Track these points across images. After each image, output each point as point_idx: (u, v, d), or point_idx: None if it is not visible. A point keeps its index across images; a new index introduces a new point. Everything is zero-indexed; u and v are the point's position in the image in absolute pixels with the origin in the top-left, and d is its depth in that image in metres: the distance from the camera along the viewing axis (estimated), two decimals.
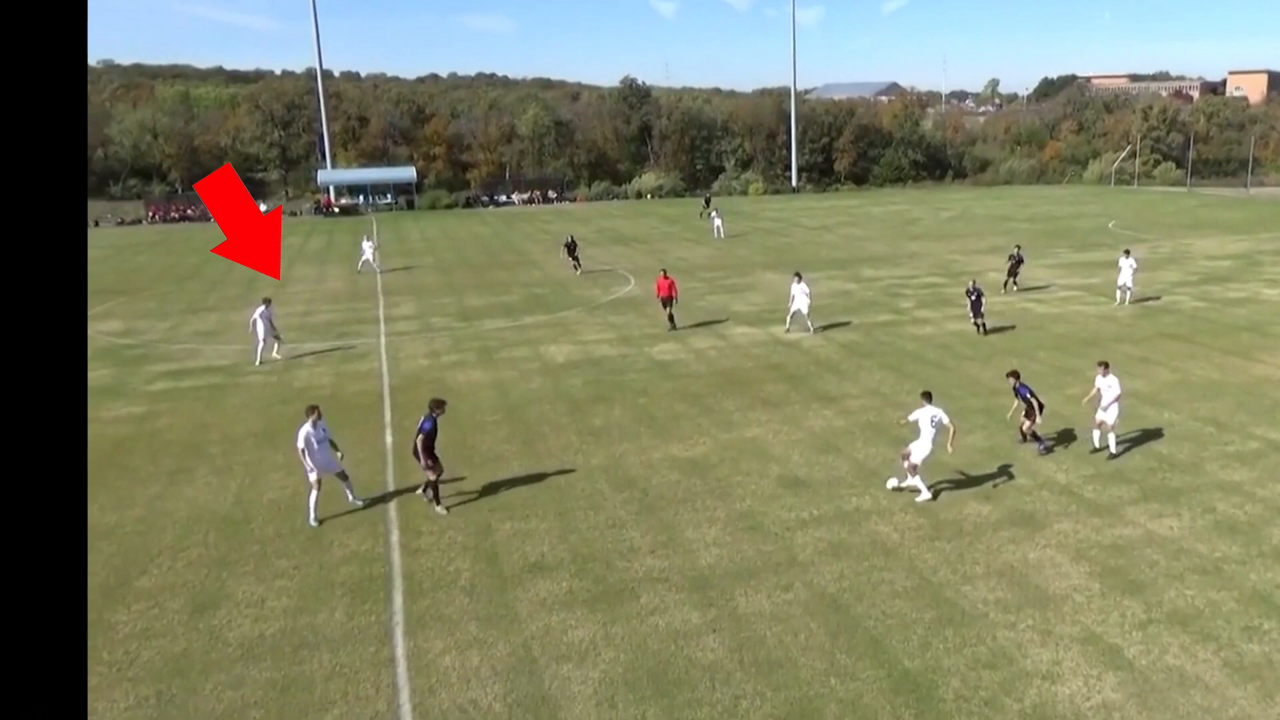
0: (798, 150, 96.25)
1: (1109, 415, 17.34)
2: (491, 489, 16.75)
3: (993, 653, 11.19)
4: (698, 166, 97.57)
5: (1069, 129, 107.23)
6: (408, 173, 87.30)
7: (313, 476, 15.49)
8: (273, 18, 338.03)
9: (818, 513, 15.31)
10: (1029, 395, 17.54)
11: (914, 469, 15.73)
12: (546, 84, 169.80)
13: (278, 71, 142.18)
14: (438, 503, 15.93)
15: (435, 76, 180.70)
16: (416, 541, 14.70)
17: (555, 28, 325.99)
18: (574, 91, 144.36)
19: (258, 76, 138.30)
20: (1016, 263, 34.82)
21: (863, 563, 13.51)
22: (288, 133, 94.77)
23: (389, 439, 19.70)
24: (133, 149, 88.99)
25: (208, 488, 17.32)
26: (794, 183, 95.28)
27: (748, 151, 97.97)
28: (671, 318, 29.68)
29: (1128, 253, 32.61)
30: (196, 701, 10.77)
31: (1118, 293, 32.09)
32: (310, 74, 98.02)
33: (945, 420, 15.58)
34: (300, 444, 15.40)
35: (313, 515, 15.55)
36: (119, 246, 61.33)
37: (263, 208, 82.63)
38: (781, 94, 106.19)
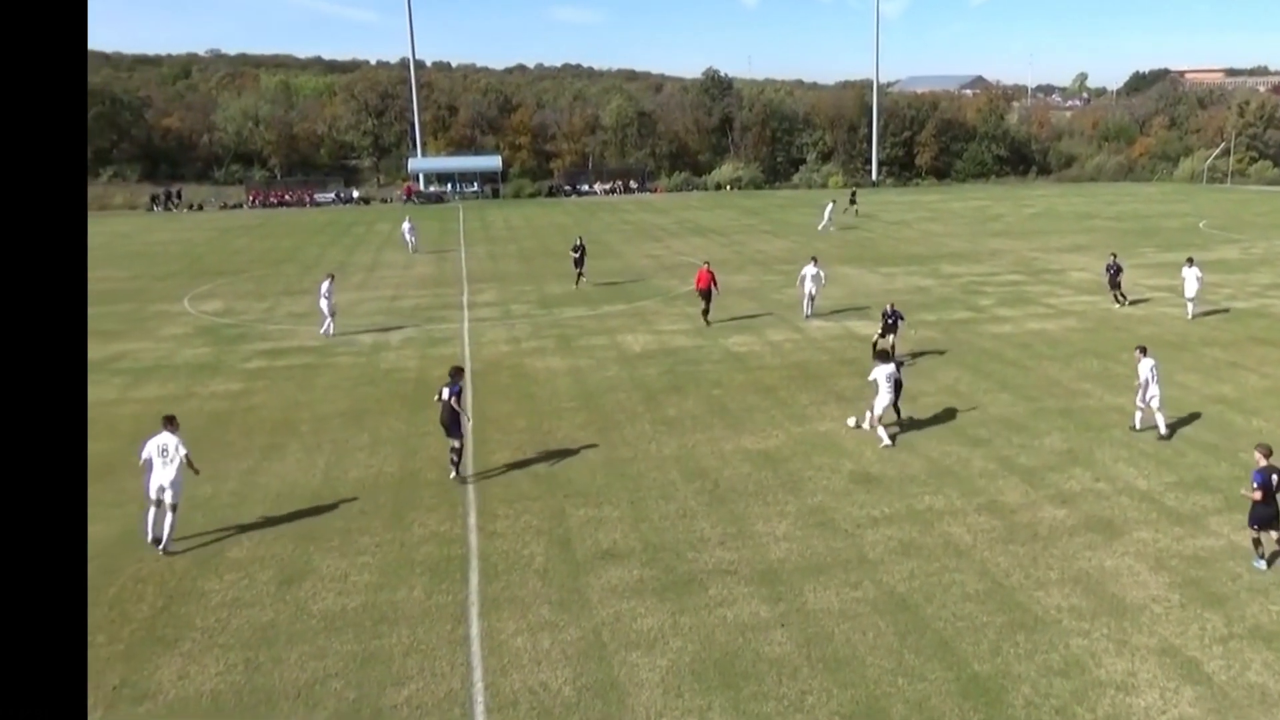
0: (879, 143, 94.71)
1: (1150, 396, 18.08)
2: (566, 475, 16.84)
3: (1065, 660, 10.88)
4: (778, 159, 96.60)
5: (1160, 125, 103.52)
6: (494, 161, 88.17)
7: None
8: (371, 9, 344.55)
9: (889, 510, 15.07)
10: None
11: (876, 420, 18.09)
12: (631, 75, 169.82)
13: (373, 62, 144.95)
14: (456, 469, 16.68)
15: (523, 67, 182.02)
16: (493, 524, 14.86)
17: (641, 19, 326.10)
18: (657, 83, 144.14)
19: (354, 66, 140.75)
20: (1116, 272, 31.19)
21: (933, 563, 13.26)
22: (381, 121, 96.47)
23: (469, 423, 19.92)
24: (236, 135, 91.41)
25: (297, 464, 17.74)
26: (874, 176, 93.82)
27: (828, 144, 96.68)
28: (705, 313, 29.00)
29: (1191, 261, 29.55)
30: (282, 670, 11.03)
31: (1188, 305, 29.25)
32: (404, 64, 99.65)
33: (898, 376, 18.43)
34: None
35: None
36: (222, 229, 63.12)
37: (355, 194, 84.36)
38: (864, 86, 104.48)
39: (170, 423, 14.73)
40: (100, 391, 23.02)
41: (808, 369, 23.73)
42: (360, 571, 13.38)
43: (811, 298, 30.00)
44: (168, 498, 14.23)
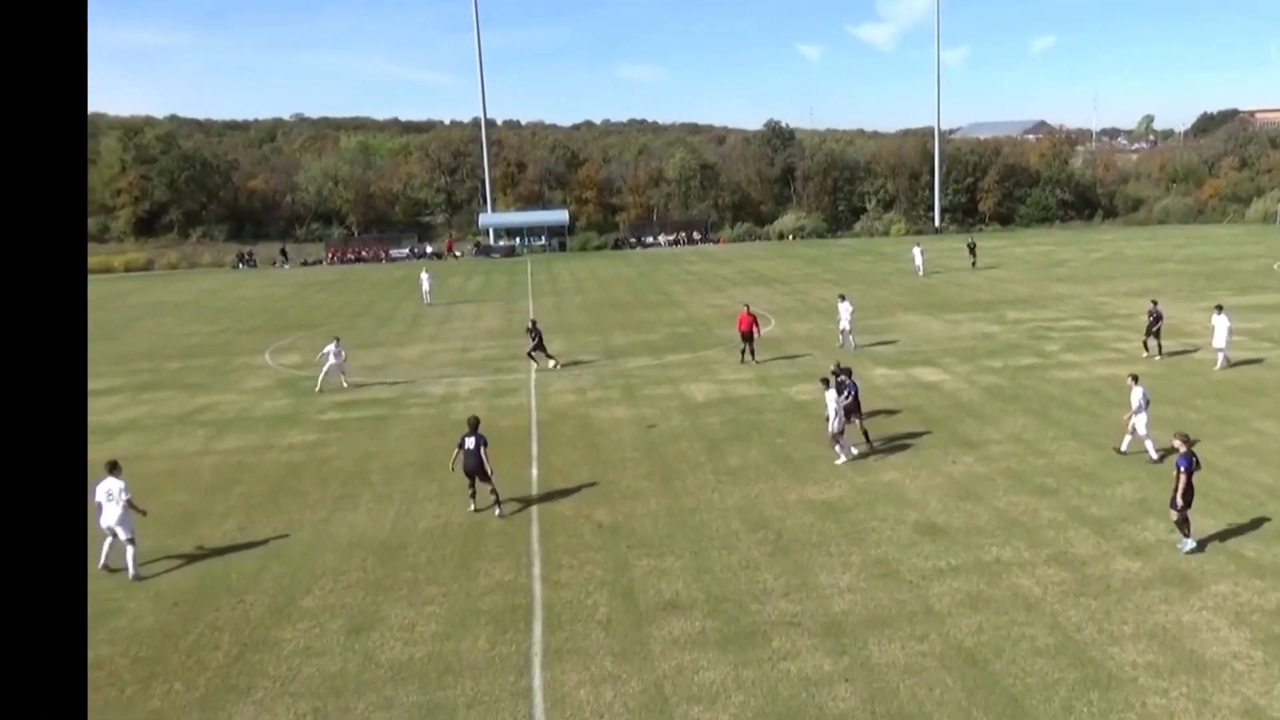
0: (941, 190, 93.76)
1: (1138, 423, 19.02)
2: (629, 525, 16.73)
3: None
4: (840, 207, 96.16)
5: (1230, 165, 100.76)
6: (561, 216, 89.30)
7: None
8: (444, 72, 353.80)
9: (955, 562, 14.65)
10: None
11: (834, 438, 19.60)
12: (694, 128, 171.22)
13: (446, 121, 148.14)
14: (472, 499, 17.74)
15: (589, 123, 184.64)
16: (557, 574, 14.79)
17: (703, 74, 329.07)
18: (720, 135, 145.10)
19: (429, 126, 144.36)
20: (1155, 320, 28.89)
21: (1002, 616, 12.81)
22: (453, 178, 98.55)
23: (534, 472, 19.98)
24: (316, 195, 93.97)
25: (368, 514, 17.91)
26: (937, 223, 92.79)
27: (890, 192, 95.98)
28: (744, 352, 30.53)
29: (1220, 309, 27.37)
30: None
31: (1219, 355, 27.18)
32: (476, 123, 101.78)
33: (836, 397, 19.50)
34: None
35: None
36: (301, 285, 64.78)
37: (429, 249, 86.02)
38: (925, 134, 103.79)
39: (114, 468, 15.74)
40: (184, 444, 23.60)
41: (871, 418, 23.33)
42: (427, 621, 13.40)
43: (844, 332, 32.34)
44: (121, 534, 15.34)
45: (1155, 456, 18.84)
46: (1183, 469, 14.42)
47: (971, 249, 58.84)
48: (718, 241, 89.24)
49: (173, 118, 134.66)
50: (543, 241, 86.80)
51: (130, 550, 15.34)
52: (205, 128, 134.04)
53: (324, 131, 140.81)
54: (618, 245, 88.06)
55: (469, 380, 29.83)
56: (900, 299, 44.95)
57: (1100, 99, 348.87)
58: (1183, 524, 14.67)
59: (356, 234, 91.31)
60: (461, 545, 16.13)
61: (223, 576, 15.22)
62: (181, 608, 14.12)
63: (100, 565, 15.48)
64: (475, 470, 17.31)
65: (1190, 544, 14.61)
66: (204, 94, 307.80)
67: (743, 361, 30.34)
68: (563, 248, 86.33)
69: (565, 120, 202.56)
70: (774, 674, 11.62)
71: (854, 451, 20.06)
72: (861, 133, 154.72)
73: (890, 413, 23.69)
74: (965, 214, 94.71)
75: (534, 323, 32.66)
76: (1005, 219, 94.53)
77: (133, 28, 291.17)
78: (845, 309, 32.45)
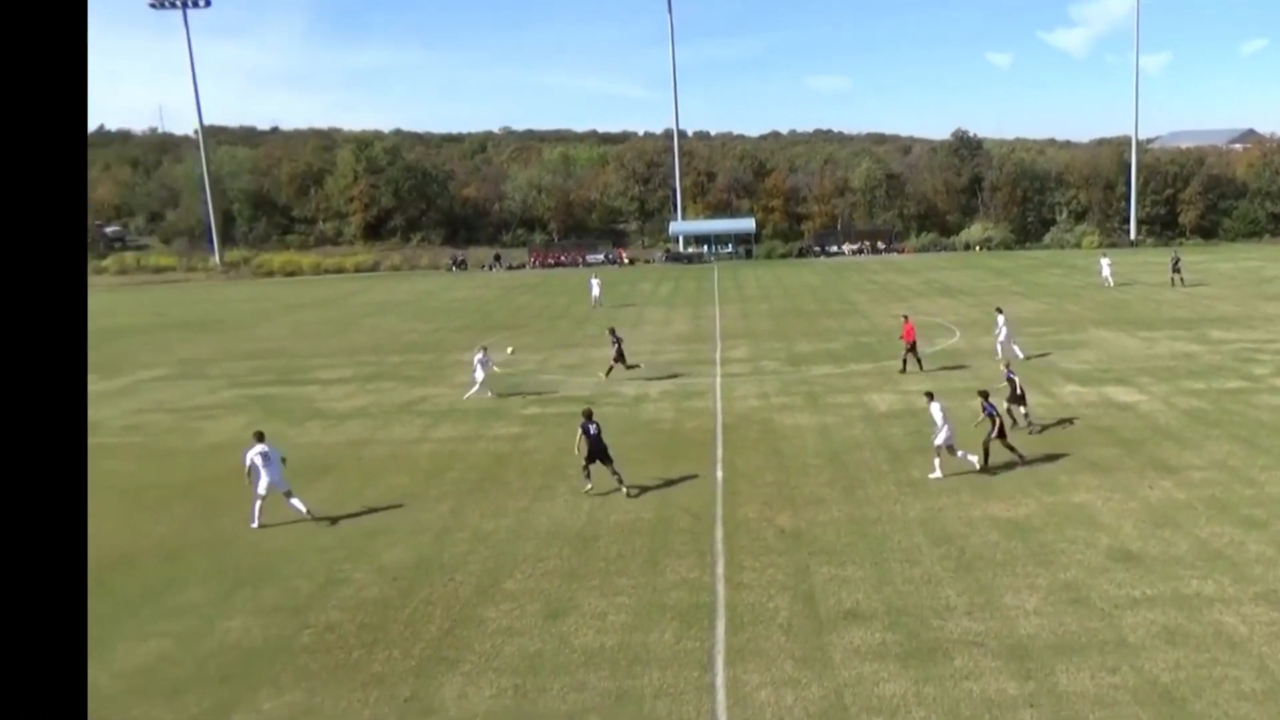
0: (1137, 202, 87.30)
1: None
2: (811, 532, 16.50)
3: None
4: (1028, 218, 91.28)
5: None
6: (748, 224, 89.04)
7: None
8: (640, 86, 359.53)
9: (1151, 592, 13.63)
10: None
11: (938, 450, 19.16)
12: (880, 138, 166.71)
13: (641, 133, 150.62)
14: (588, 478, 18.94)
15: (776, 133, 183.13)
16: (740, 575, 14.77)
17: (890, 84, 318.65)
18: (906, 145, 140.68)
19: (625, 138, 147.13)
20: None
21: (1202, 654, 11.83)
22: (646, 187, 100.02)
23: (719, 474, 20.02)
24: (521, 203, 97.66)
25: (565, 506, 18.44)
26: (1132, 235, 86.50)
27: (1082, 203, 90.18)
28: (905, 362, 30.13)
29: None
30: (546, 699, 11.41)
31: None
32: (668, 134, 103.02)
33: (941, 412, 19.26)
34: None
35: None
36: (507, 288, 67.42)
37: (602, 257, 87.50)
38: (1121, 143, 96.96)
39: (261, 437, 17.99)
40: (404, 431, 25.04)
41: (1061, 436, 22.07)
42: (617, 611, 13.67)
43: (1002, 344, 31.44)
44: (282, 488, 17.58)
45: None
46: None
47: (1175, 265, 53.15)
48: (902, 251, 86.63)
49: (397, 131, 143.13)
50: (729, 249, 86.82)
51: (293, 499, 17.61)
52: (425, 140, 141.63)
53: (529, 143, 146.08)
54: (802, 254, 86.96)
55: (658, 383, 30.21)
56: (1092, 314, 42.26)
57: None
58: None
59: (556, 239, 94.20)
60: (650, 540, 16.36)
61: (436, 555, 16.05)
62: (400, 582, 14.99)
63: (255, 525, 17.62)
64: (599, 453, 18.63)
65: None
66: (425, 109, 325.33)
67: (903, 371, 29.86)
68: (749, 255, 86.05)
69: (753, 130, 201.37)
70: (956, 693, 11.19)
71: (974, 461, 19.36)
72: (1052, 142, 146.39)
73: (1081, 432, 22.30)
74: (1164, 226, 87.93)
75: (612, 330, 32.69)
76: (1208, 232, 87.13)
77: (366, 49, 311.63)
78: (1001, 320, 31.89)
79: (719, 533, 16.60)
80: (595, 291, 52.65)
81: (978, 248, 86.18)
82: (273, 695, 11.67)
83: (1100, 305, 45.30)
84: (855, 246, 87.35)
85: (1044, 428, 22.78)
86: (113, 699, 11.74)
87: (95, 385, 33.26)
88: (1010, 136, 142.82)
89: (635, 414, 25.88)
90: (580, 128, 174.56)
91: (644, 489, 19.15)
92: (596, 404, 27.03)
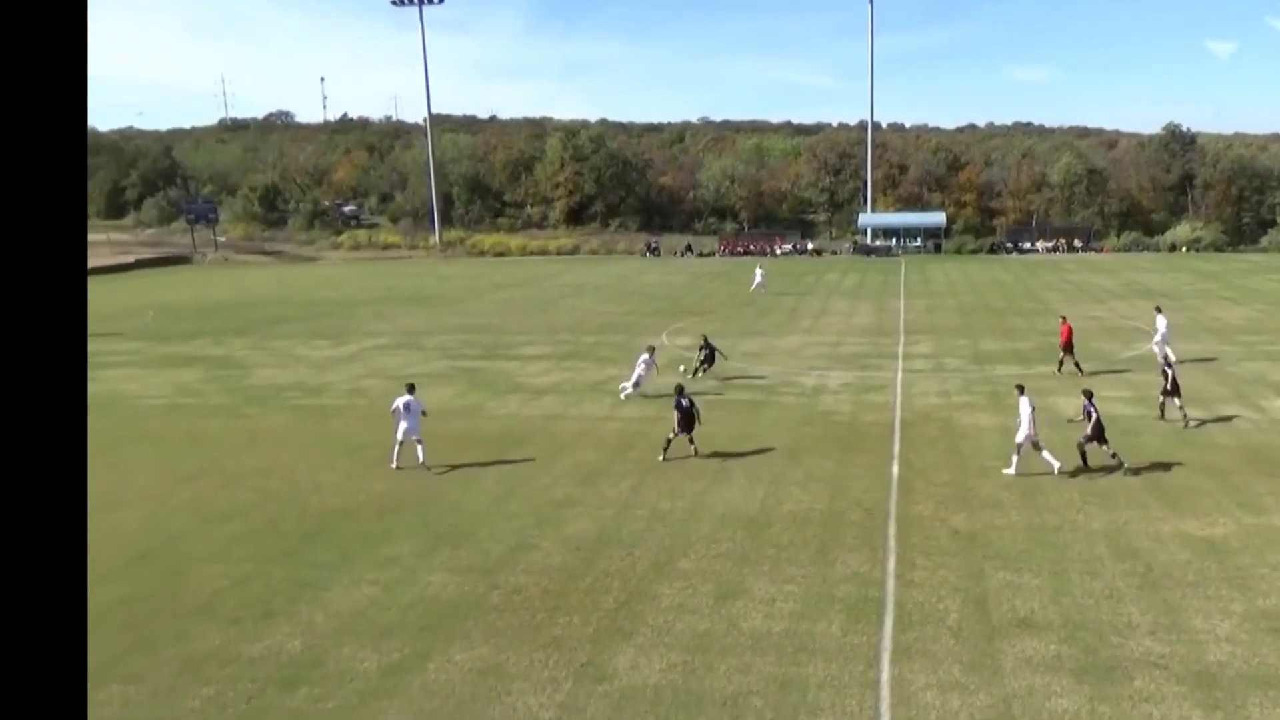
0: None
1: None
2: (987, 535, 15.72)
3: None
4: (1244, 219, 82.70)
5: None
6: (938, 218, 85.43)
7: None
8: (835, 77, 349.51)
9: None
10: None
11: (1018, 446, 18.67)
12: (1083, 132, 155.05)
13: (834, 124, 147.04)
14: (664, 450, 20.33)
15: (973, 126, 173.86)
16: (911, 573, 14.28)
17: (1096, 74, 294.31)
18: (1111, 139, 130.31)
19: (818, 129, 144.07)
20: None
21: None
22: (837, 179, 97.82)
23: (894, 470, 19.40)
24: (715, 192, 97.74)
25: (740, 491, 18.39)
26: None
27: None
28: (1061, 363, 28.59)
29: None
30: (712, 678, 11.46)
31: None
32: (861, 126, 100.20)
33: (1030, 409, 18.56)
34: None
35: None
36: (696, 275, 67.73)
37: (810, 245, 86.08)
38: None
39: (412, 389, 20.22)
40: (594, 409, 25.71)
41: (1268, 454, 19.95)
42: (786, 599, 13.53)
43: (1159, 344, 28.91)
44: (415, 436, 19.69)
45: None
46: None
47: None
48: (1101, 250, 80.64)
49: (602, 121, 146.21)
50: (918, 243, 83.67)
51: (420, 448, 19.76)
52: (627, 129, 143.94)
53: (724, 133, 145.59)
54: (993, 250, 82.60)
55: (838, 374, 29.59)
56: None
57: None
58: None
59: (746, 229, 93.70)
60: (821, 531, 16.09)
61: (616, 529, 16.42)
62: (583, 552, 15.44)
63: (393, 465, 19.96)
64: (685, 424, 20.26)
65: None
66: (629, 99, 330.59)
67: (1059, 371, 28.41)
68: (938, 250, 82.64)
69: (949, 123, 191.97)
70: (1133, 715, 10.39)
71: (1054, 464, 18.61)
72: (1276, 137, 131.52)
73: None
74: None
75: (705, 339, 29.63)
76: None
77: (576, 42, 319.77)
78: (1162, 322, 29.42)
79: (891, 529, 16.11)
80: (759, 280, 52.64)
81: (1184, 249, 79.05)
82: (464, 648, 12.32)
83: None
84: (1050, 244, 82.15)
85: (1202, 422, 21.77)
86: (328, 635, 12.74)
87: (327, 351, 36.02)
88: (1228, 131, 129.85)
89: (813, 405, 25.45)
90: (775, 118, 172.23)
91: (818, 480, 18.83)
92: (777, 392, 26.80)
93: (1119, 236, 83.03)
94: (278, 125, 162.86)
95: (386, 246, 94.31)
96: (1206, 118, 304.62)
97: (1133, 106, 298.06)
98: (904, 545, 15.37)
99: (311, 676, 11.67)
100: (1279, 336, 34.81)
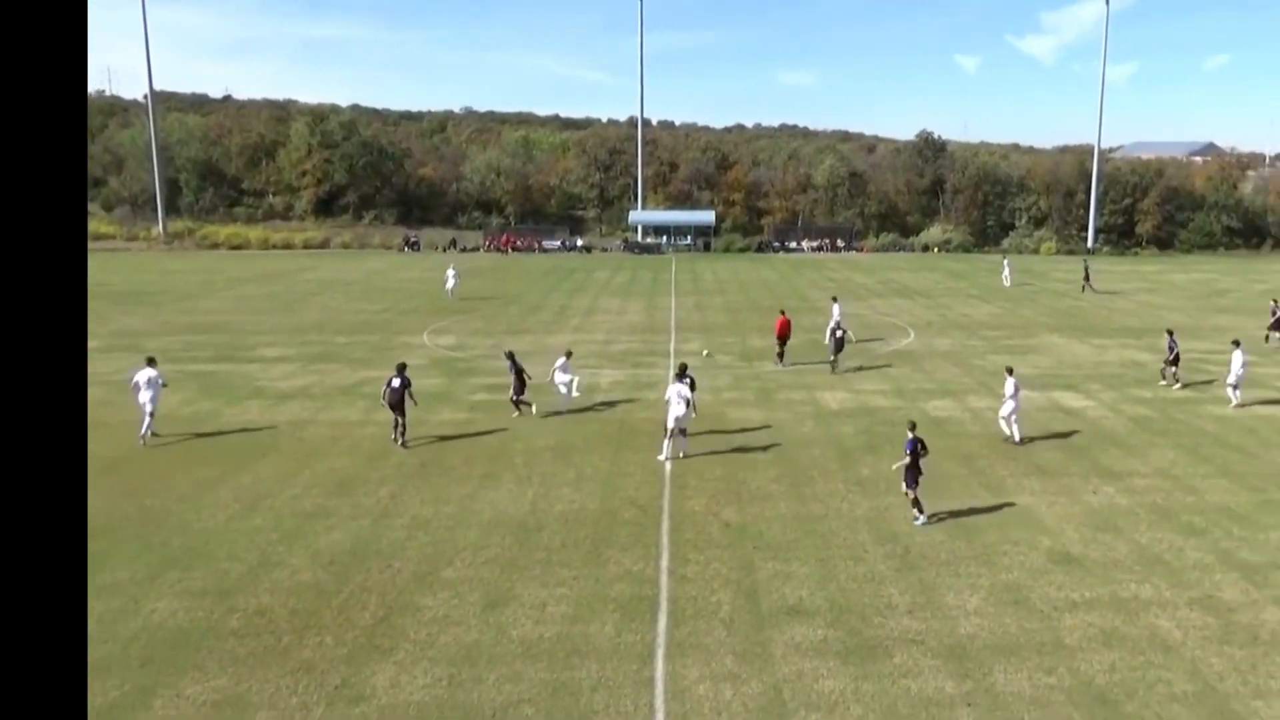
0: (1097, 210, 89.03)
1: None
2: (757, 527, 16.58)
3: None
4: (989, 222, 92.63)
5: None
6: (707, 216, 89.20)
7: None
8: (605, 71, 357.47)
9: (1090, 595, 13.92)
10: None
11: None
12: (844, 136, 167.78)
13: (604, 120, 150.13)
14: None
15: (741, 126, 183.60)
16: (684, 569, 14.80)
17: (858, 82, 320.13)
18: (870, 144, 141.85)
19: (587, 124, 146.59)
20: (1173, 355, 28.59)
21: (1137, 657, 12.10)
22: (607, 175, 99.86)
23: (668, 467, 20.03)
24: (480, 185, 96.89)
25: (509, 494, 18.33)
26: (1090, 244, 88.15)
27: (1042, 209, 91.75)
28: (780, 355, 31.14)
29: (1236, 344, 26.19)
30: (481, 690, 11.34)
31: (1229, 393, 26.05)
32: (632, 122, 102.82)
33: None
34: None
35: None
36: (460, 271, 66.73)
37: (579, 242, 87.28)
38: (1083, 151, 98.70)
39: (152, 362, 22.14)
40: (347, 413, 24.72)
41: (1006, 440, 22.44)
42: (558, 602, 13.62)
43: (835, 329, 31.58)
44: (149, 409, 21.45)
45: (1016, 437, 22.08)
46: (909, 451, 16.72)
47: (1086, 273, 56.05)
48: (861, 250, 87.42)
49: (355, 106, 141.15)
50: (688, 241, 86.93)
51: (149, 420, 21.66)
52: (383, 116, 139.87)
53: (490, 125, 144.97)
54: (761, 249, 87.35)
55: (610, 372, 30.18)
56: (1046, 319, 43.00)
57: (1278, 122, 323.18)
58: (915, 502, 16.81)
59: (513, 224, 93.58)
60: (594, 531, 16.33)
61: (374, 541, 15.87)
62: (335, 567, 14.80)
63: (141, 439, 21.49)
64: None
65: (922, 519, 16.71)
66: (384, 85, 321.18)
67: (778, 366, 30.91)
68: (707, 248, 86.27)
69: (718, 122, 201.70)
70: (894, 690, 11.32)
71: (1017, 435, 21.99)
72: (1016, 147, 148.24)
73: (1030, 437, 22.67)
74: (1121, 235, 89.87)
75: (510, 355, 25.36)
76: (1164, 243, 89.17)
77: (324, 21, 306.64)
78: (837, 310, 33.63)
79: (665, 525, 16.63)
80: (451, 284, 48.68)
81: (936, 249, 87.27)
82: (197, 680, 11.45)
83: (1055, 311, 46.12)
84: (815, 244, 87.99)
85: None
86: None
87: None
88: (975, 140, 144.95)
89: (585, 403, 25.77)
90: (543, 111, 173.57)
91: (590, 479, 19.12)
92: (547, 392, 26.86)
93: (878, 237, 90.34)
94: None
95: (98, 237, 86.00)
96: (956, 127, 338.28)
97: (890, 113, 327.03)
98: (677, 541, 15.90)
99: None
100: (1018, 332, 39.18)
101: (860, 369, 30.74)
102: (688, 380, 21.10)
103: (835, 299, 35.82)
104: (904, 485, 16.96)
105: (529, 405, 24.43)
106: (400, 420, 21.55)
